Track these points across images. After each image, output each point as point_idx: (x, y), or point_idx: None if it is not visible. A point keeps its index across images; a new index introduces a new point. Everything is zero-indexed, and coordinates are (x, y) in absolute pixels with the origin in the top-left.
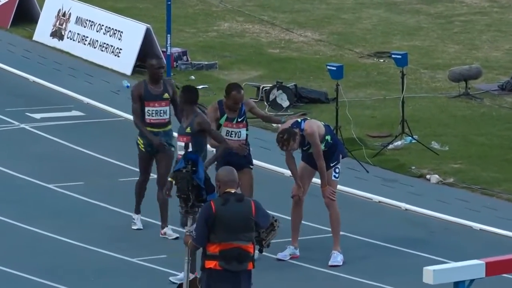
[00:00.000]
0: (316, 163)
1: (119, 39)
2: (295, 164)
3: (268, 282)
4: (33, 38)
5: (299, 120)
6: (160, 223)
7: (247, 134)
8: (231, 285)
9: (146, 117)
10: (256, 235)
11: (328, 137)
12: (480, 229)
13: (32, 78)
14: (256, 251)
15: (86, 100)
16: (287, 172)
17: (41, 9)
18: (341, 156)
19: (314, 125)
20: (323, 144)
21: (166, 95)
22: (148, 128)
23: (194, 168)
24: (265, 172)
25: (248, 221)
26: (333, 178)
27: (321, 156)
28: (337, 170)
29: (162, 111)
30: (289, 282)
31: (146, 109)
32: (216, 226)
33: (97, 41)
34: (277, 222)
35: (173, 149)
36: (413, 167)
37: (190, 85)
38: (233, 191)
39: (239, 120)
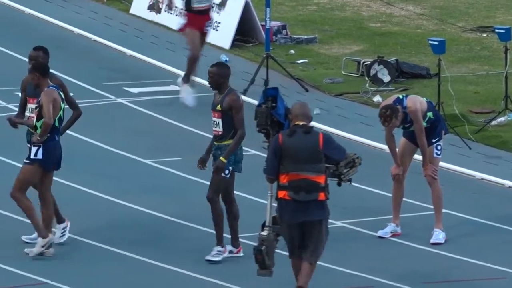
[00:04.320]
0: (418, 141)
1: (217, 13)
2: (394, 143)
3: (369, 260)
4: (130, 12)
5: (400, 96)
6: None
7: None
8: (300, 214)
9: None
10: (334, 169)
11: (430, 114)
12: None
13: (129, 52)
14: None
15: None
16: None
17: None
18: (443, 132)
19: (417, 102)
20: (425, 121)
21: (219, 107)
22: None
23: (273, 104)
24: (366, 148)
25: (314, 153)
26: (434, 155)
27: (423, 134)
28: (439, 147)
29: (215, 122)
30: (390, 260)
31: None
32: (284, 157)
33: None
34: (358, 159)
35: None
36: None
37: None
38: (301, 124)
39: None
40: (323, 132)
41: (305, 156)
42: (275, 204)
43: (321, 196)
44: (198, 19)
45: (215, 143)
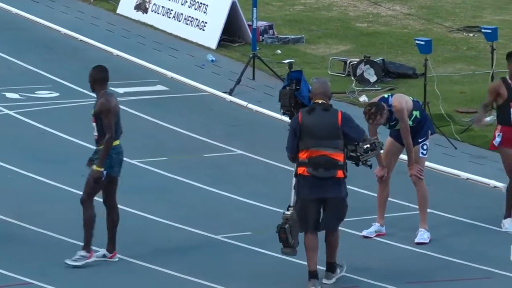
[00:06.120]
0: (403, 140)
1: (204, 13)
2: None
3: (354, 260)
4: (117, 11)
5: (385, 95)
6: None
7: None
8: (318, 191)
9: None
10: (353, 149)
11: (416, 113)
12: None
13: (115, 52)
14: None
15: (170, 74)
16: None
17: None
18: (429, 132)
19: (403, 100)
20: (411, 120)
21: (92, 111)
22: None
23: (297, 87)
24: None
25: (333, 129)
26: (420, 155)
27: (408, 133)
28: (424, 147)
29: (93, 127)
30: (374, 260)
31: None
32: (303, 134)
33: (182, 14)
34: (380, 143)
35: (94, 166)
36: None
37: None
38: (320, 101)
39: None
40: (343, 111)
41: (324, 133)
42: None
43: (339, 173)
44: None
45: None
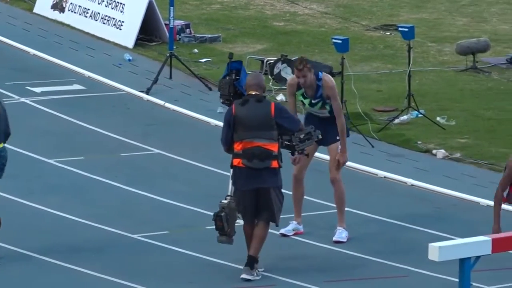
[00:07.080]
0: (337, 120)
1: (121, 12)
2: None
3: (271, 258)
4: (34, 11)
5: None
6: None
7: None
8: (254, 181)
9: None
10: (288, 138)
11: None
12: (487, 205)
13: (32, 51)
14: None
15: (87, 73)
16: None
17: None
18: (348, 131)
19: (333, 81)
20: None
21: None
22: None
23: (237, 77)
24: None
25: (266, 121)
26: (339, 150)
27: (341, 112)
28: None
29: None
30: (292, 258)
31: None
32: (237, 125)
33: (98, 13)
34: (316, 132)
35: None
36: (419, 142)
37: None
38: (254, 93)
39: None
40: (276, 102)
41: (257, 124)
42: None
43: (274, 163)
44: None
45: None
